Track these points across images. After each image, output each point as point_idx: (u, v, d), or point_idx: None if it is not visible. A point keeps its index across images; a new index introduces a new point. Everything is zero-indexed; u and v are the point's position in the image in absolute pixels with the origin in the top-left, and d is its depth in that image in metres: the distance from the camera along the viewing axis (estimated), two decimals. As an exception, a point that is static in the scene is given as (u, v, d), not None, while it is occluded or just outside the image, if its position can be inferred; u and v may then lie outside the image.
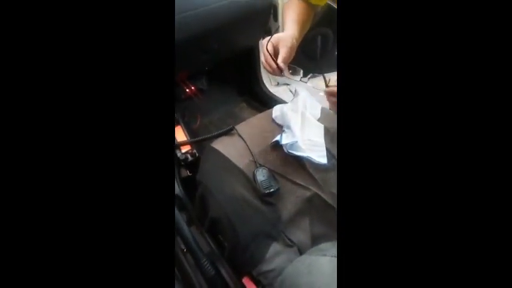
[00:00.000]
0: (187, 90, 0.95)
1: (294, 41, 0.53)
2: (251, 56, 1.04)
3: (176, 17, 0.60)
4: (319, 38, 0.49)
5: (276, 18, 0.91)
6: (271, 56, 0.52)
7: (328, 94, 0.51)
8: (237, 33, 0.84)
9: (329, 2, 0.45)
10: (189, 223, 0.59)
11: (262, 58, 0.54)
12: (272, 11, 0.87)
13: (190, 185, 0.64)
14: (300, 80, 0.49)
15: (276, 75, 0.53)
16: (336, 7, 0.46)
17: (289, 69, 0.52)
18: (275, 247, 0.48)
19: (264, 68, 0.55)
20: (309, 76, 0.50)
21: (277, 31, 1.06)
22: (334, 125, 0.60)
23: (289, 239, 0.49)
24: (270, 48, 0.52)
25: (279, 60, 0.51)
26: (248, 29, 0.84)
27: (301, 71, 0.50)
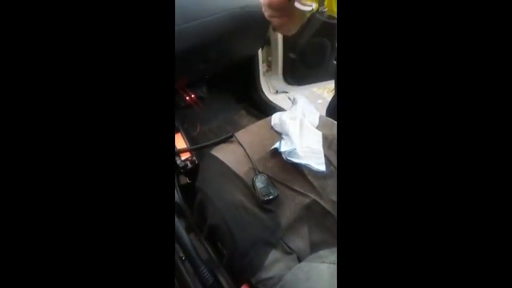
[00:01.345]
0: (187, 98, 0.96)
1: None
2: (250, 64, 1.05)
3: (177, 28, 0.61)
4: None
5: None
6: None
7: None
8: (236, 43, 0.85)
9: (321, 9, 0.43)
10: (188, 230, 0.59)
11: None
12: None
13: (189, 192, 0.64)
14: (310, 11, 0.44)
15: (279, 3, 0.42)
16: (328, 21, 0.44)
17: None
18: (274, 254, 0.48)
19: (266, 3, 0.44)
20: (322, 8, 0.45)
21: (276, 41, 1.08)
22: (332, 132, 0.60)
23: (288, 246, 0.49)
24: None
25: None
26: (247, 38, 0.86)
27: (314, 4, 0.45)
